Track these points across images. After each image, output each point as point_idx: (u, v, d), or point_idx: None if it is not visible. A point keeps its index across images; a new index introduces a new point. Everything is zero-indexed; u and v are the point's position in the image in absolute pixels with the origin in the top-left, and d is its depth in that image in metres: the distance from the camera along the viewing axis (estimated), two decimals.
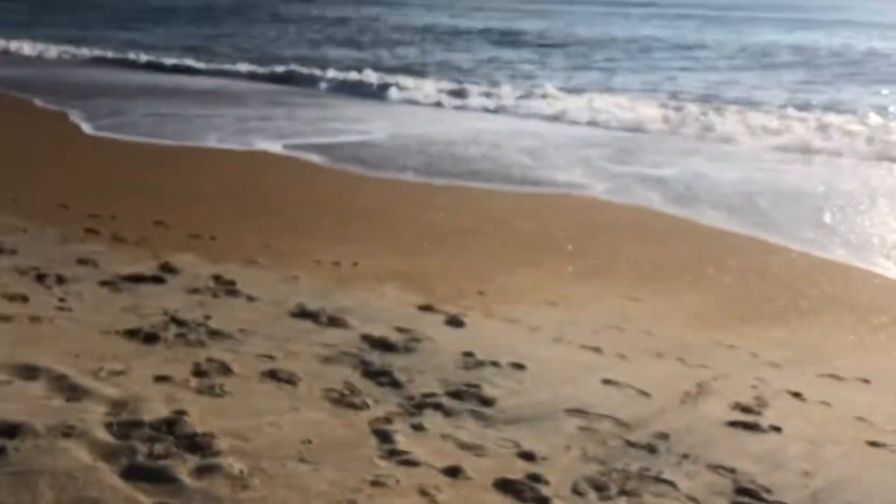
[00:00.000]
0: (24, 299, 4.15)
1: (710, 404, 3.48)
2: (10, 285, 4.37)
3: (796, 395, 3.65)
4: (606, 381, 3.65)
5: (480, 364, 3.74)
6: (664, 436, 3.15)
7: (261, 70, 17.59)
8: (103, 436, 2.75)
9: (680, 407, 3.44)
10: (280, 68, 17.54)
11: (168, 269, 4.95)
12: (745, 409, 3.45)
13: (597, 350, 4.06)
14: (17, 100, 13.19)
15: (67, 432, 2.72)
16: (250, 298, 4.49)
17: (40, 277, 4.58)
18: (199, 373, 3.39)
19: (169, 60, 19.22)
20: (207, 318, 4.08)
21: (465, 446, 2.96)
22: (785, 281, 5.50)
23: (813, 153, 10.34)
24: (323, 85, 16.08)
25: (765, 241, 6.47)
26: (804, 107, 13.50)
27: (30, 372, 3.19)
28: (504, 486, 2.71)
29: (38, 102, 12.75)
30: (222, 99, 13.95)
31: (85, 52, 20.92)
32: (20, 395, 2.97)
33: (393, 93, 14.69)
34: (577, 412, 3.30)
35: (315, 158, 9.15)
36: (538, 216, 6.99)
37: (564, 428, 3.16)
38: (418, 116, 12.75)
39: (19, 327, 3.73)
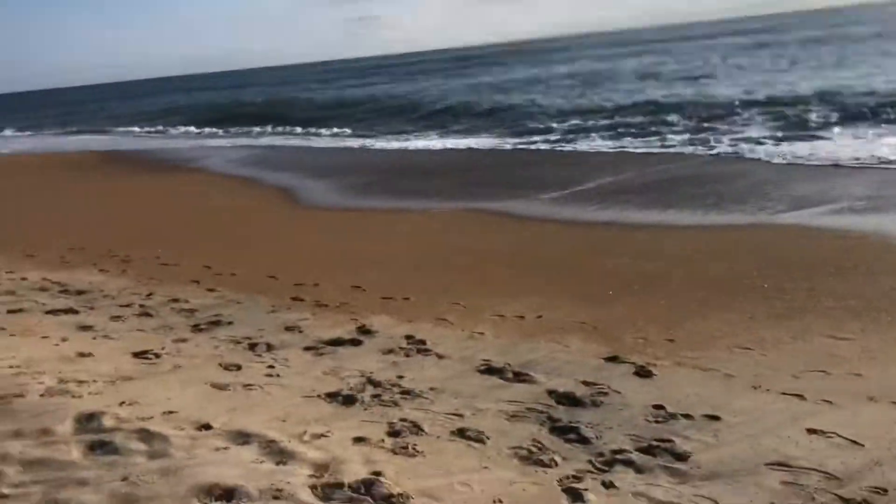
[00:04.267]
0: (238, 368, 4.55)
1: None
2: (226, 355, 4.80)
3: None
4: (812, 431, 3.42)
5: (672, 417, 3.62)
6: (881, 490, 2.89)
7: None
8: (308, 498, 2.94)
9: None
10: None
11: (365, 331, 5.24)
12: None
13: (800, 396, 3.82)
14: (246, 179, 14.54)
15: (277, 495, 2.94)
16: (439, 356, 4.64)
17: (252, 346, 4.99)
18: (393, 433, 3.55)
19: None
20: (400, 377, 4.27)
21: None
22: None
23: None
24: None
25: None
26: None
27: (244, 437, 3.48)
28: None
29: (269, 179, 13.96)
30: None
31: None
32: (236, 460, 3.25)
33: None
34: (781, 466, 3.12)
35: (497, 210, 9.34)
36: (728, 254, 6.70)
37: (766, 483, 2.99)
38: None
39: (234, 395, 4.09)
